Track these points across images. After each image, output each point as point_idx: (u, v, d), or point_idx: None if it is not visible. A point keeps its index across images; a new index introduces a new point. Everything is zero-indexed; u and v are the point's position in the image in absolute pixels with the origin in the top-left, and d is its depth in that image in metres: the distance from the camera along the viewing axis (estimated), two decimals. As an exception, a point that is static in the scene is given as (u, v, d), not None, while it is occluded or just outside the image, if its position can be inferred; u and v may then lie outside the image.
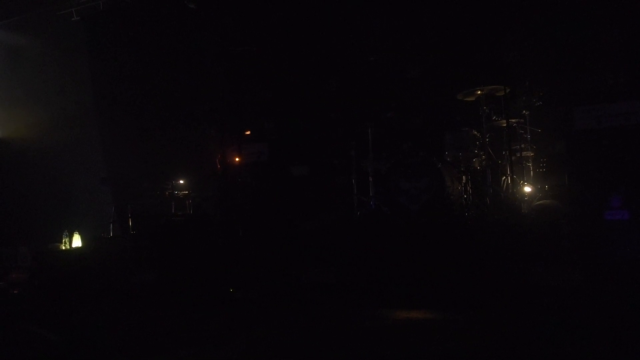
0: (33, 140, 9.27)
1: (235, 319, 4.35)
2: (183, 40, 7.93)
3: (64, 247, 6.78)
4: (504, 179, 5.91)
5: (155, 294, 5.54)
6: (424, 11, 6.66)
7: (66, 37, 8.91)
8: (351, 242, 5.39)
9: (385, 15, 6.77)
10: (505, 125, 5.65)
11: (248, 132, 6.97)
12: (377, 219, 6.03)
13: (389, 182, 5.99)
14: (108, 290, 5.84)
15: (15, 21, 9.41)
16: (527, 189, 5.95)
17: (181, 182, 7.28)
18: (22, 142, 9.41)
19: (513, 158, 5.65)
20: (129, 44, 8.46)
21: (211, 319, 4.37)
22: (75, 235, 6.85)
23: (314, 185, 6.99)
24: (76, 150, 8.65)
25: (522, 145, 6.03)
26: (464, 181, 5.94)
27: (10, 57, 9.54)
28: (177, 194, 7.24)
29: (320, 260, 5.23)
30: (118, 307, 5.23)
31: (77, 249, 6.77)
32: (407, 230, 5.38)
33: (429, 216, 5.60)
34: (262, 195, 6.81)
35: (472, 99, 6.04)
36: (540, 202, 5.60)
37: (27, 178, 8.91)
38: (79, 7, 8.69)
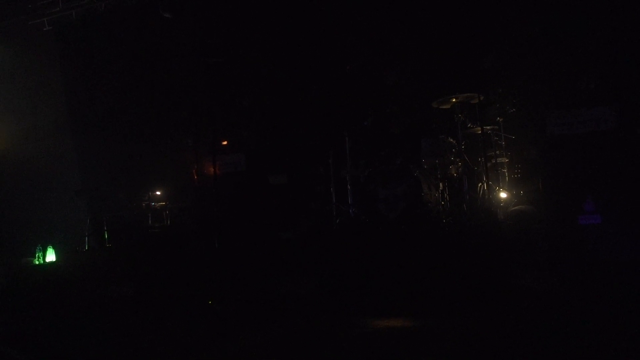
0: (5, 152, 9.06)
1: (214, 331, 4.29)
2: (158, 49, 7.87)
3: (37, 262, 6.62)
4: (480, 185, 5.98)
5: (133, 307, 5.45)
6: (399, 21, 6.72)
7: (38, 47, 8.75)
8: (330, 250, 5.39)
9: (361, 24, 6.81)
10: (480, 132, 5.73)
11: (225, 142, 6.93)
12: (355, 227, 6.05)
13: (367, 190, 6.01)
14: (84, 305, 5.72)
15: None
16: (503, 194, 6.02)
17: (158, 193, 7.20)
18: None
19: (488, 164, 5.71)
20: (102, 54, 8.36)
21: (189, 332, 4.31)
22: (49, 249, 6.70)
23: (292, 193, 6.98)
24: (50, 162, 8.49)
25: (497, 152, 6.11)
26: (441, 188, 5.99)
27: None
28: (153, 205, 7.16)
29: (299, 269, 5.20)
30: (95, 322, 5.12)
31: (51, 263, 6.63)
32: (385, 238, 5.39)
33: (407, 223, 5.63)
34: (240, 204, 6.77)
35: (447, 106, 6.12)
36: (516, 207, 5.68)
37: (-2, 191, 8.68)
38: (50, 17, 8.54)
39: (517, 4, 6.18)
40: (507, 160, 6.25)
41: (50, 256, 6.67)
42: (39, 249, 6.63)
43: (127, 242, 6.59)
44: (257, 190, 6.94)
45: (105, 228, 6.95)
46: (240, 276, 5.28)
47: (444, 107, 6.15)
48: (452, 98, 5.89)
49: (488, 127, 5.96)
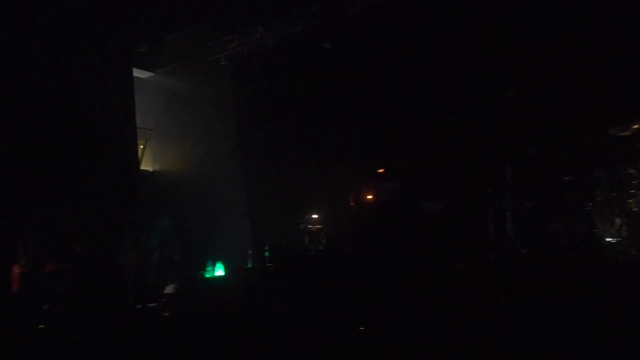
0: (184, 174, 10.17)
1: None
2: (322, 80, 8.23)
3: (208, 275, 7.26)
4: (668, 223, 5.27)
5: (289, 324, 5.67)
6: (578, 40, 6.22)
7: (215, 80, 9.74)
8: (492, 284, 5.12)
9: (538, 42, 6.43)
10: (668, 163, 5.08)
11: (381, 170, 7.00)
12: (519, 262, 5.69)
13: (531, 223, 5.65)
14: (245, 317, 6.08)
15: (171, 68, 10.53)
16: (696, 234, 5.24)
17: (315, 216, 7.49)
18: (175, 175, 10.37)
19: (678, 199, 5.03)
20: (270, 85, 9.01)
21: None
22: (218, 264, 7.31)
23: (448, 222, 6.79)
24: (222, 185, 9.32)
25: (690, 185, 5.34)
26: (618, 224, 5.40)
27: (168, 100, 10.65)
28: (310, 228, 7.46)
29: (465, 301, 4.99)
30: (255, 334, 5.41)
31: (219, 277, 7.23)
32: (550, 276, 4.99)
33: (577, 262, 5.16)
34: (394, 231, 6.75)
35: (627, 133, 5.51)
36: None
37: (177, 207, 9.65)
38: (226, 53, 9.47)
39: None
40: None
41: (219, 271, 7.27)
42: (210, 264, 7.27)
43: (285, 262, 6.92)
44: (411, 217, 6.88)
45: (266, 248, 7.40)
46: (397, 304, 5.23)
47: (624, 134, 5.55)
48: (635, 124, 5.31)
49: (678, 157, 5.26)
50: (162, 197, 9.55)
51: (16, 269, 5.97)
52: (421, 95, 7.27)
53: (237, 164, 9.32)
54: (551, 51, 6.38)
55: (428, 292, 5.16)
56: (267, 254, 7.34)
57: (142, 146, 10.38)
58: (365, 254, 6.00)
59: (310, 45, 8.34)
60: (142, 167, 10.25)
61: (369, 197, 6.44)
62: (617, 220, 5.46)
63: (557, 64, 6.37)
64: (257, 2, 8.52)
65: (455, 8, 7.00)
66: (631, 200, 5.52)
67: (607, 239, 5.39)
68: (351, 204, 6.59)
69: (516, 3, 6.63)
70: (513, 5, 6.61)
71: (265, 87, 9.05)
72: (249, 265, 7.66)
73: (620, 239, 5.37)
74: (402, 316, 5.09)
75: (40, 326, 5.24)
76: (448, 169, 7.05)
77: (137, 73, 10.05)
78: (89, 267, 5.47)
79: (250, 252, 7.78)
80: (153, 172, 10.65)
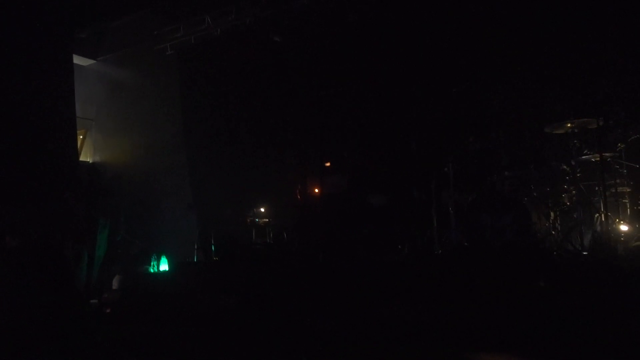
0: (126, 166, 9.88)
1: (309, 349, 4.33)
2: (269, 72, 8.20)
3: (152, 270, 7.09)
4: (597, 217, 5.57)
5: (236, 318, 5.64)
6: (511, 39, 6.48)
7: (161, 70, 9.49)
8: (431, 276, 5.26)
9: (470, 43, 6.65)
10: (598, 159, 5.35)
11: (328, 164, 7.06)
12: (458, 254, 5.87)
13: (471, 216, 5.83)
14: (190, 314, 6.00)
15: (115, 56, 10.18)
16: (624, 227, 5.57)
17: (262, 210, 7.47)
18: (116, 167, 10.05)
19: (607, 194, 5.32)
20: (217, 76, 8.88)
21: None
22: (162, 258, 7.15)
23: (392, 215, 6.93)
24: (166, 176, 9.11)
25: (618, 181, 5.67)
26: (552, 218, 5.67)
27: (110, 89, 10.29)
28: (257, 221, 7.44)
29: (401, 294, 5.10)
30: (200, 330, 5.35)
31: (164, 272, 7.07)
32: (489, 268, 5.17)
33: (513, 254, 5.36)
34: (340, 225, 6.82)
35: (561, 131, 5.79)
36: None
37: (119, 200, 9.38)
38: (173, 42, 9.24)
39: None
40: (628, 190, 5.78)
41: (164, 265, 7.12)
42: (154, 258, 7.10)
43: (232, 256, 6.87)
44: (357, 211, 6.97)
45: (212, 241, 7.31)
46: (342, 296, 5.29)
47: (558, 132, 5.83)
48: (567, 123, 5.57)
49: (607, 154, 5.56)
50: (103, 190, 9.23)
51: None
52: (367, 90, 7.35)
53: (183, 156, 9.14)
54: (491, 50, 6.59)
55: (372, 284, 5.25)
56: (213, 247, 7.26)
57: (81, 136, 10.01)
58: (312, 247, 6.02)
59: (259, 37, 8.27)
60: (82, 159, 9.88)
61: (316, 190, 6.48)
62: (551, 214, 5.74)
63: (496, 63, 6.59)
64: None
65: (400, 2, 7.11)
66: (564, 195, 5.82)
67: (542, 232, 5.65)
68: (298, 197, 6.60)
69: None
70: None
71: (212, 78, 8.90)
72: (195, 259, 7.55)
73: (554, 232, 5.65)
74: (347, 308, 5.16)
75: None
76: (393, 164, 7.18)
77: (78, 60, 9.65)
78: (24, 261, 5.25)
79: (196, 246, 7.66)
80: (93, 164, 10.29)
